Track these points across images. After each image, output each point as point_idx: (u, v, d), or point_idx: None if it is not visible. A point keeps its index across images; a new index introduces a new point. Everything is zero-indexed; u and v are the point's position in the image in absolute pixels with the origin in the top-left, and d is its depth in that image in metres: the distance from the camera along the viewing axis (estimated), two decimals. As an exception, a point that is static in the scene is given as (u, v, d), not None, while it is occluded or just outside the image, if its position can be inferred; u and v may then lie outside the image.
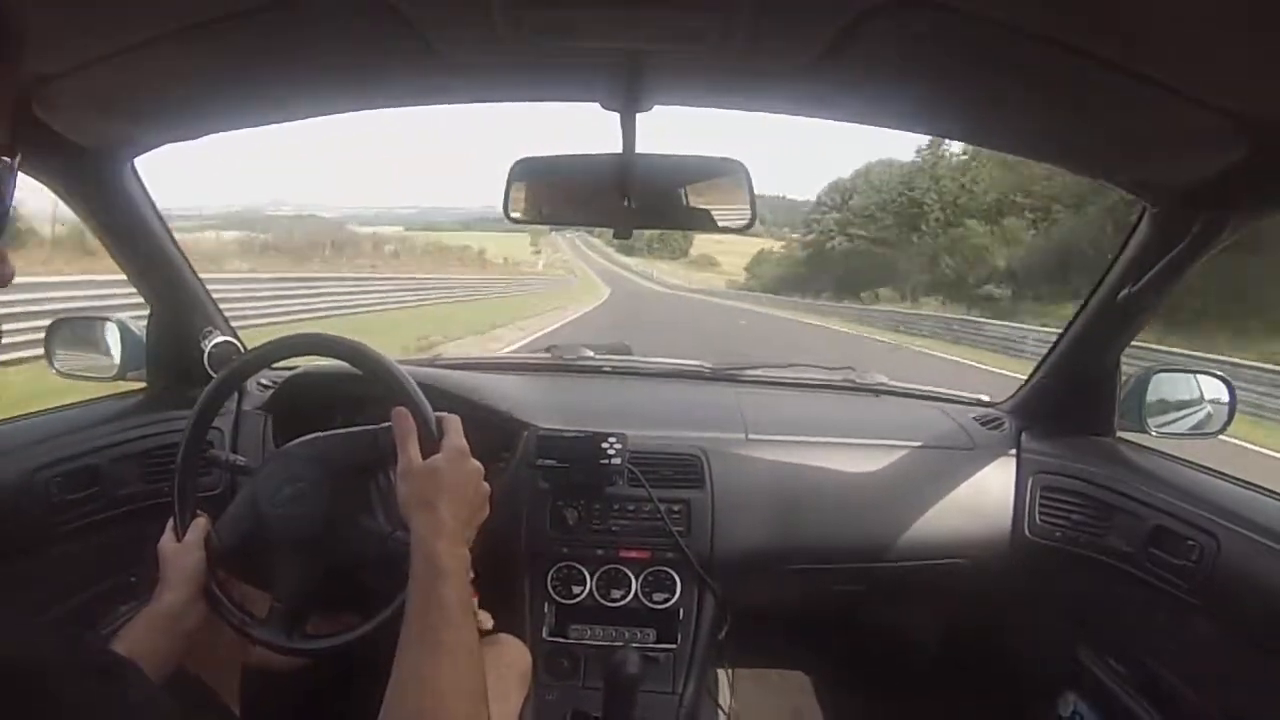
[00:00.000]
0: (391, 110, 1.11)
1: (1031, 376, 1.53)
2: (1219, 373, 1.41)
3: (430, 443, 0.83)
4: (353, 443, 0.93)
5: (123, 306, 1.79)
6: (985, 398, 1.71)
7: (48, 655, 0.41)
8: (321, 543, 0.87)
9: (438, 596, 0.72)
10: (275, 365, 1.47)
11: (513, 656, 1.18)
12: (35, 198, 1.17)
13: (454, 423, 0.86)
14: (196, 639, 0.88)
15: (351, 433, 0.95)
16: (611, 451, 1.33)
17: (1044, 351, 1.49)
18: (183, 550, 0.87)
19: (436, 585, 0.72)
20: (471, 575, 0.78)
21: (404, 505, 0.80)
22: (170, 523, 0.91)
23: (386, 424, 0.85)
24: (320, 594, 0.90)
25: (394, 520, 0.87)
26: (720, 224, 1.07)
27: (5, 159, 0.40)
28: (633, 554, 1.37)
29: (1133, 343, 1.34)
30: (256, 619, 0.87)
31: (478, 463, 0.84)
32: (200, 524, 0.90)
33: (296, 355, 0.98)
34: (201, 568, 0.86)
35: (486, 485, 0.84)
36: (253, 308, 10.08)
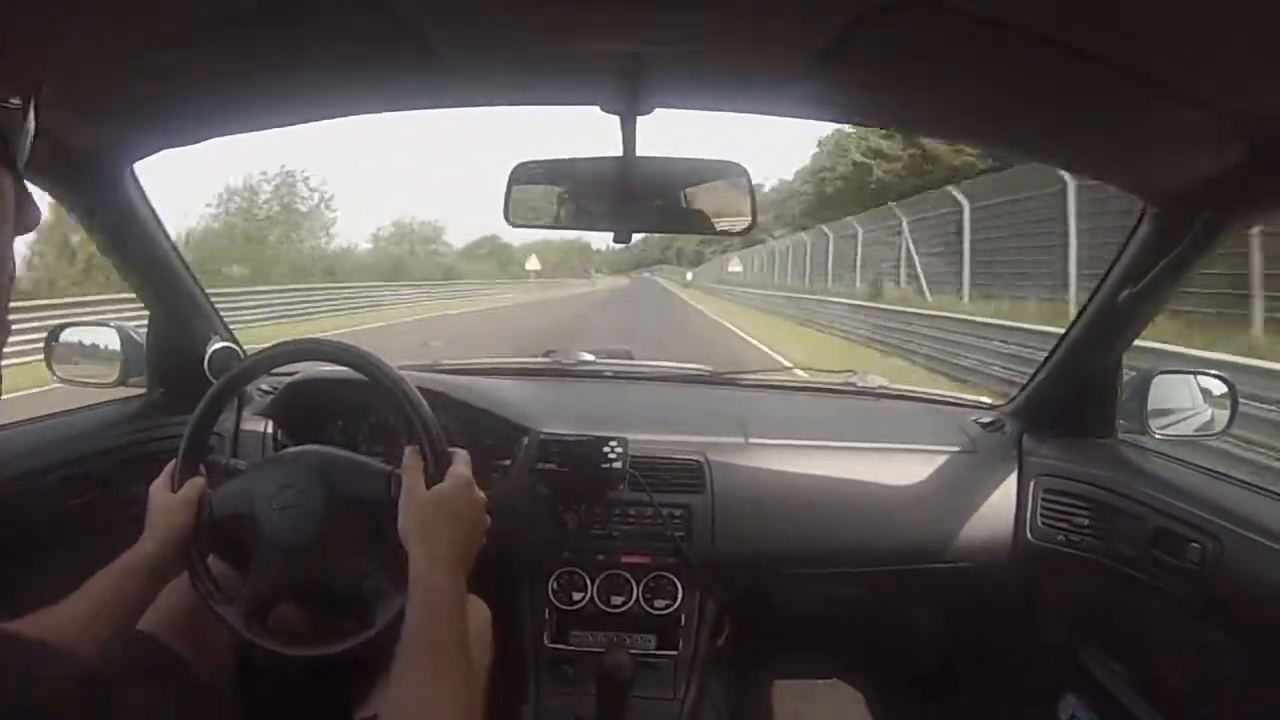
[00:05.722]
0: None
1: (1032, 379, 1.53)
2: (1220, 373, 1.41)
3: (436, 469, 0.84)
4: (364, 475, 0.92)
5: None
6: (986, 400, 1.71)
7: None
8: (301, 557, 0.87)
9: (435, 632, 0.72)
10: (276, 371, 1.47)
11: (470, 615, 1.17)
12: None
13: (463, 454, 0.87)
14: (194, 628, 0.89)
15: (366, 464, 0.94)
16: (613, 456, 1.33)
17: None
18: (173, 506, 0.86)
19: (434, 620, 0.73)
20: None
21: (403, 532, 0.79)
22: (169, 468, 0.90)
23: (399, 470, 0.86)
24: (285, 599, 0.91)
25: (377, 565, 0.87)
26: (720, 227, 1.07)
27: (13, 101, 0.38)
28: (634, 559, 1.37)
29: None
30: (224, 594, 0.87)
31: (483, 494, 0.85)
32: (197, 483, 0.89)
33: (297, 361, 0.98)
34: (188, 529, 0.86)
35: (488, 518, 0.85)
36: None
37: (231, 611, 0.86)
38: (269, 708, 1.09)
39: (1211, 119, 0.77)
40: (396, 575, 0.81)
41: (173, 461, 0.90)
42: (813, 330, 14.11)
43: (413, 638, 0.72)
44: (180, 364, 1.39)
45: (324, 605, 0.93)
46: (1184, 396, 1.40)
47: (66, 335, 1.41)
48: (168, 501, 0.87)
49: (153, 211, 1.26)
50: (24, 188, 0.40)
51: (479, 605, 1.17)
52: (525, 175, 1.04)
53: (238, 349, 1.44)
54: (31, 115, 0.39)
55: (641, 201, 1.03)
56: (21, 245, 0.43)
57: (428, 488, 0.82)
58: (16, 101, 0.38)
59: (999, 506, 1.41)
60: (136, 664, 0.82)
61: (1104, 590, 1.26)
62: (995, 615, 1.57)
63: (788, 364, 6.13)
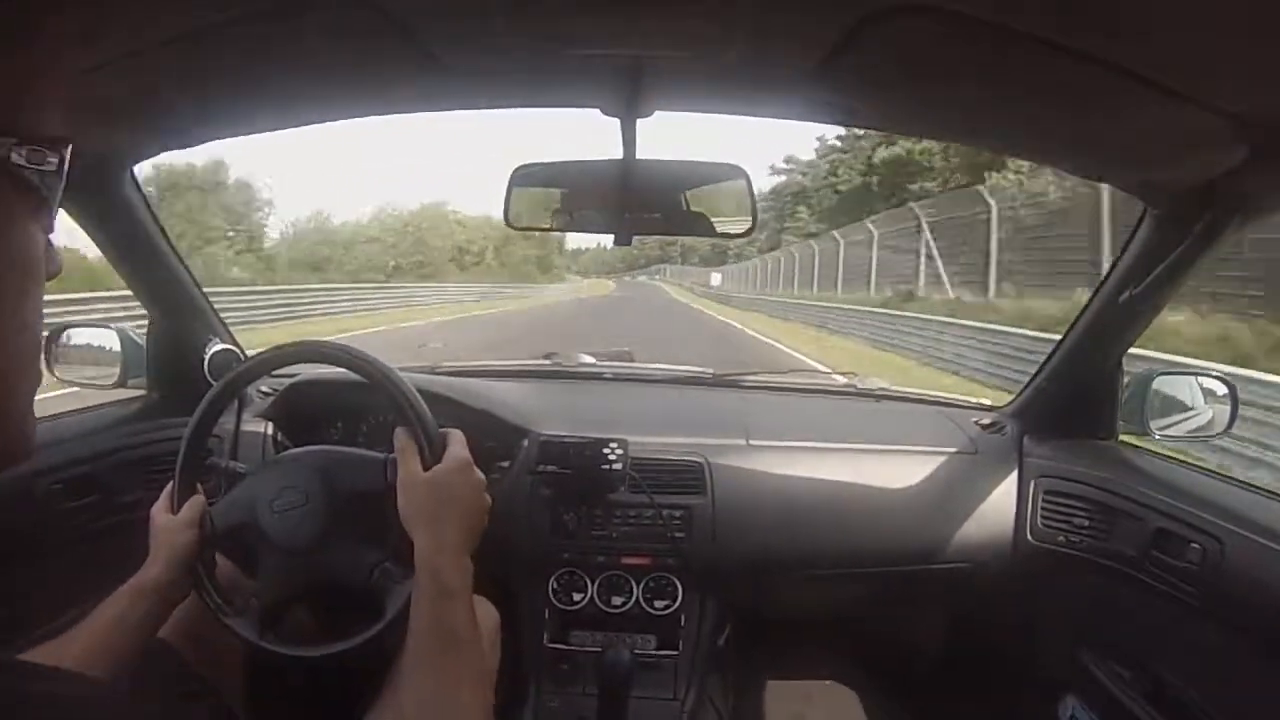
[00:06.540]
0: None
1: (1033, 380, 1.53)
2: (1220, 374, 1.41)
3: (432, 453, 0.83)
4: (360, 467, 0.92)
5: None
6: (987, 402, 1.71)
7: None
8: (307, 556, 0.88)
9: (445, 619, 0.71)
10: (276, 373, 1.47)
11: (481, 617, 1.17)
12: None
13: (457, 435, 0.86)
14: (202, 634, 0.89)
15: (362, 455, 0.95)
16: (613, 457, 1.33)
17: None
18: (175, 527, 0.86)
19: (444, 607, 0.72)
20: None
21: (405, 519, 0.79)
22: (167, 489, 0.90)
23: (393, 455, 0.85)
24: (297, 602, 0.91)
25: (385, 554, 0.87)
26: (720, 230, 1.07)
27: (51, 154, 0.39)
28: (634, 560, 1.37)
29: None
30: (234, 607, 0.87)
31: (481, 474, 0.84)
32: (197, 502, 0.89)
33: (296, 363, 0.98)
34: (193, 548, 0.85)
35: (488, 497, 0.84)
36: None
37: (244, 623, 0.86)
38: (280, 713, 1.09)
39: (1212, 120, 0.77)
40: (404, 562, 0.81)
41: (170, 484, 0.90)
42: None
43: (422, 624, 0.72)
44: (180, 366, 1.39)
45: (336, 603, 0.92)
46: (1185, 397, 1.40)
47: (67, 336, 1.41)
48: (169, 523, 0.86)
49: (152, 213, 1.26)
50: (50, 241, 0.41)
51: (488, 607, 1.18)
52: (525, 178, 1.04)
53: (238, 351, 1.44)
54: (64, 175, 0.40)
55: (642, 204, 1.03)
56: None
57: (425, 470, 0.81)
58: (53, 163, 0.38)
59: (999, 508, 1.41)
60: (148, 672, 0.82)
61: (1104, 591, 1.26)
62: (995, 616, 1.57)
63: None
